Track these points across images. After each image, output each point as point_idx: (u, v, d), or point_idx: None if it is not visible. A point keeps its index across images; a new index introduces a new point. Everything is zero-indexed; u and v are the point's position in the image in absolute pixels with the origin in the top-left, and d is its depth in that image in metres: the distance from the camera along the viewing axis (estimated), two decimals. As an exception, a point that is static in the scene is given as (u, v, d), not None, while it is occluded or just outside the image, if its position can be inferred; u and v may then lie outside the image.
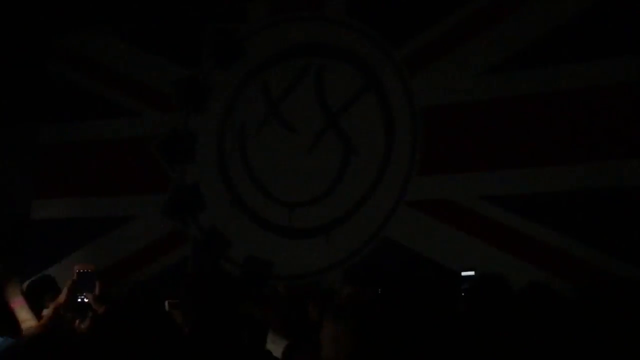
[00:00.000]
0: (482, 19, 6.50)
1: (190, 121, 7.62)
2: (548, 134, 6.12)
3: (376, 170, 6.77)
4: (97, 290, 4.48)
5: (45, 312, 4.46)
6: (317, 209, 6.92)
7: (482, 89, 6.42)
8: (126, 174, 7.70)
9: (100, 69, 8.03)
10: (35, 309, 4.40)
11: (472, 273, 4.75)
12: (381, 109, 6.86)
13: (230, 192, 7.33)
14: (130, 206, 7.59)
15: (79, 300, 4.59)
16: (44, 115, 8.16)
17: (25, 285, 5.24)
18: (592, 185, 5.88)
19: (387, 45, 6.91)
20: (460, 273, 5.11)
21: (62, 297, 4.36)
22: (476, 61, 6.48)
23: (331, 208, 6.86)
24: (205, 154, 7.51)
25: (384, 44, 6.93)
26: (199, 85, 7.62)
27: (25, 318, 4.15)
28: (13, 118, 8.04)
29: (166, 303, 4.55)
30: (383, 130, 6.81)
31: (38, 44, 8.14)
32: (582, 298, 3.06)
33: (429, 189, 6.52)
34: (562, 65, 6.15)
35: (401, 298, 2.71)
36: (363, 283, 5.53)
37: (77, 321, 4.44)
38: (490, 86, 6.39)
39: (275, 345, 3.40)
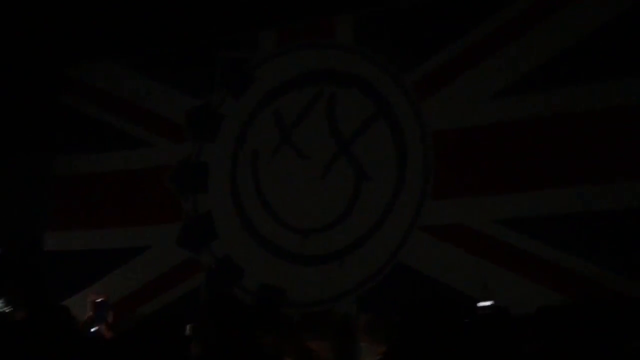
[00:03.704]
0: (489, 42, 6.51)
1: (202, 150, 7.65)
2: (559, 156, 6.10)
3: (389, 196, 6.76)
4: (110, 319, 4.48)
5: None
6: (330, 235, 6.91)
7: (491, 112, 6.42)
8: (139, 204, 7.73)
9: (111, 100, 8.09)
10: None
11: (488, 303, 4.68)
12: (392, 135, 6.87)
13: (243, 220, 7.33)
14: (145, 236, 7.61)
15: (92, 330, 4.60)
16: (57, 147, 8.22)
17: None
18: (605, 206, 5.84)
19: (397, 70, 6.94)
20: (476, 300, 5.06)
21: None
22: (485, 84, 6.49)
23: (344, 234, 6.84)
24: (218, 183, 7.53)
25: (393, 70, 6.95)
26: (211, 114, 7.66)
27: None
28: (27, 148, 8.10)
29: (188, 327, 4.55)
30: (395, 156, 6.81)
31: (50, 75, 8.22)
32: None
33: (442, 214, 6.50)
34: (571, 87, 6.12)
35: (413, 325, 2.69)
36: (378, 310, 5.51)
37: None
38: (500, 109, 6.39)
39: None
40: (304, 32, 7.46)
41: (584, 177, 5.98)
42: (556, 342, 3.07)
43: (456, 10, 6.73)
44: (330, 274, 6.84)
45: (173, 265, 7.42)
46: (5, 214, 7.89)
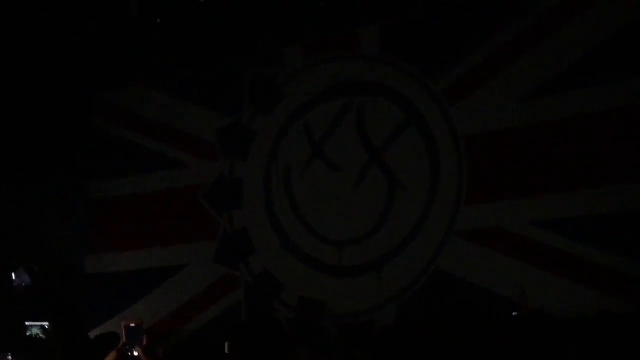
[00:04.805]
0: (516, 46, 6.45)
1: (235, 168, 7.71)
2: (593, 156, 6.02)
3: (424, 203, 6.73)
4: (144, 343, 4.50)
5: None
6: (366, 245, 6.90)
7: (522, 115, 6.36)
8: (175, 224, 7.81)
9: (144, 123, 8.20)
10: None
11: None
12: (424, 142, 6.85)
13: (279, 235, 7.36)
14: (182, 255, 7.69)
15: (129, 355, 4.63)
16: (92, 170, 8.36)
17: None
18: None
19: (425, 77, 6.92)
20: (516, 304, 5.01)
21: (110, 358, 4.37)
22: (515, 88, 6.43)
23: (381, 244, 6.83)
24: (252, 199, 7.58)
25: (421, 77, 6.93)
26: (242, 132, 7.72)
27: None
28: (62, 173, 8.24)
29: (226, 345, 4.56)
30: (428, 163, 6.79)
31: (84, 100, 8.37)
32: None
33: (478, 218, 6.46)
34: (603, 86, 6.04)
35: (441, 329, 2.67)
36: (419, 318, 5.46)
37: None
38: (530, 111, 6.33)
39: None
40: (330, 45, 7.47)
41: (621, 176, 5.88)
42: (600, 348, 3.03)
43: (481, 15, 6.70)
44: (369, 284, 6.83)
45: (211, 283, 7.48)
46: (44, 238, 8.02)
